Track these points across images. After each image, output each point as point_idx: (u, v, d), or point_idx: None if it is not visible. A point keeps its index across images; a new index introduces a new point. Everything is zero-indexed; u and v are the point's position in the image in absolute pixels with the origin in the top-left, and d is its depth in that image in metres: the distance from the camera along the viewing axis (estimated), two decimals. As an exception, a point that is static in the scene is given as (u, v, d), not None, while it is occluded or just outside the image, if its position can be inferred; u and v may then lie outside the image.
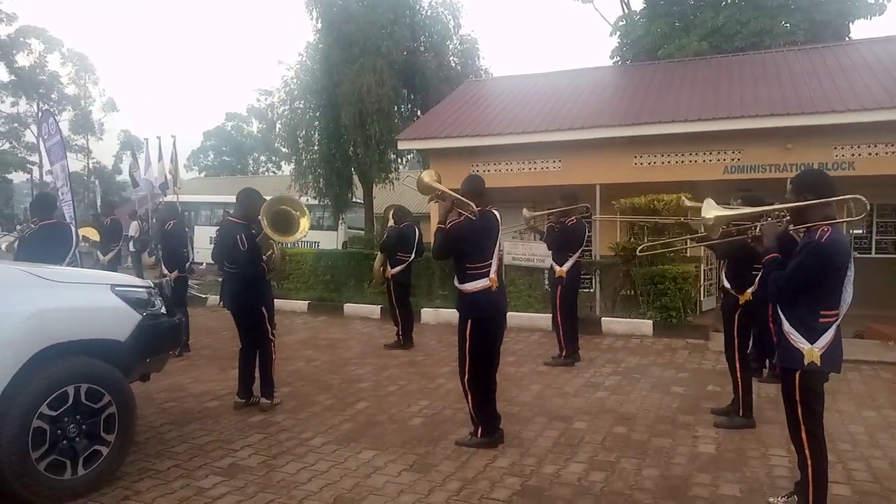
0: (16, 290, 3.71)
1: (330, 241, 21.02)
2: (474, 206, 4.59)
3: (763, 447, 4.66)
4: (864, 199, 3.17)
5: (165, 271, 8.12)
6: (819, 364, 3.22)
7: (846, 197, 3.25)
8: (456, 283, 4.75)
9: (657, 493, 3.91)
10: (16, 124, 42.49)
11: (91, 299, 4.06)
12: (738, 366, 5.17)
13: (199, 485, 4.04)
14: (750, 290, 5.08)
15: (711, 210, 3.75)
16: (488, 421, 4.74)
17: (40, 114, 29.00)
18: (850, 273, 3.25)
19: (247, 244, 5.38)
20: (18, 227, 10.15)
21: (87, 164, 46.78)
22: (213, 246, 5.72)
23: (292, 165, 20.75)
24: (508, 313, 9.27)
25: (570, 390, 6.21)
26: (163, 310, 4.52)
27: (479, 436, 4.71)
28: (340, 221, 21.26)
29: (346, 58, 17.90)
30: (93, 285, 4.17)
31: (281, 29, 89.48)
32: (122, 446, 4.06)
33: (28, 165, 42.13)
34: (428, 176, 4.90)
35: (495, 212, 4.85)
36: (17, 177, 43.36)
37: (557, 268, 7.41)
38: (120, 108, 51.41)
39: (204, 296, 12.46)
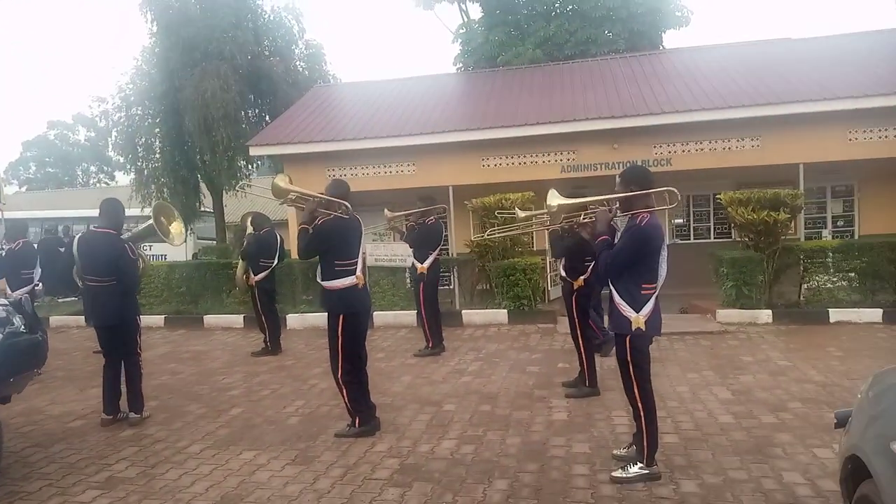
0: None
1: (178, 253, 20.12)
2: (348, 206, 4.87)
3: (607, 411, 5.34)
4: (676, 190, 3.85)
5: (9, 292, 7.60)
6: (644, 329, 3.85)
7: (663, 189, 3.92)
8: (321, 280, 4.97)
9: (520, 457, 4.41)
10: None
11: (-55, 320, 3.88)
12: (580, 342, 5.87)
13: (78, 500, 3.99)
14: (582, 277, 5.82)
15: (555, 199, 4.34)
16: (364, 411, 5.03)
17: None
18: (665, 253, 3.91)
19: (135, 254, 5.33)
20: None
21: None
22: (79, 257, 5.42)
23: (132, 175, 19.63)
24: (375, 312, 9.67)
25: (437, 378, 6.65)
26: (23, 328, 4.37)
27: (356, 426, 4.99)
28: (189, 232, 20.41)
29: (186, 62, 17.32)
30: (-55, 306, 3.98)
31: (110, 32, 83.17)
32: (-13, 471, 3.92)
33: None
34: (282, 181, 5.11)
35: (357, 216, 5.15)
36: None
37: (419, 265, 7.84)
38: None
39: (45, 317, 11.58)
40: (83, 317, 10.77)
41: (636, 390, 3.95)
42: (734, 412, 5.17)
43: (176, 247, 20.09)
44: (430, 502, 3.75)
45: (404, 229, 8.42)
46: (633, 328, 3.84)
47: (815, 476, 3.88)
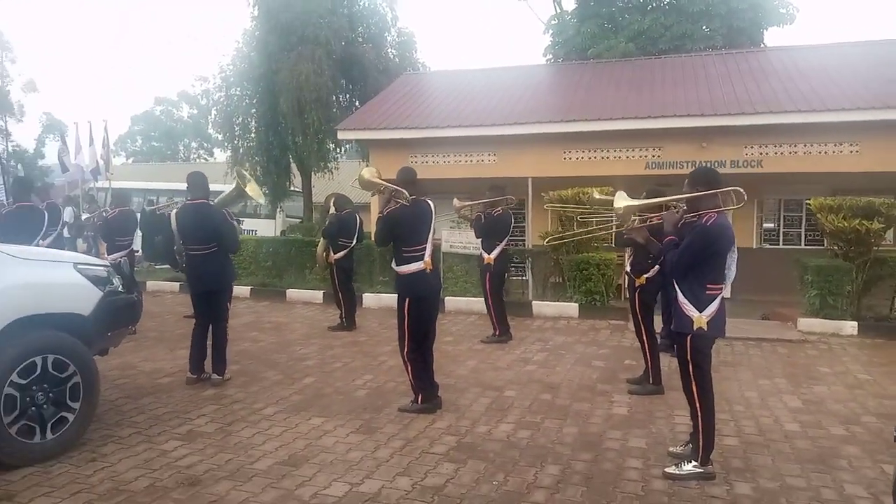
0: (-12, 267, 3.94)
1: (268, 229, 21.04)
2: (407, 194, 5.05)
3: (669, 409, 5.32)
4: (742, 190, 3.81)
5: (106, 256, 8.29)
6: (706, 329, 3.84)
7: (729, 189, 3.88)
8: (394, 265, 5.21)
9: (575, 446, 4.49)
10: (-75, 103, 40.13)
11: (57, 276, 4.31)
12: (644, 338, 5.85)
13: (161, 448, 4.36)
14: (645, 276, 5.78)
15: (622, 200, 4.37)
16: (427, 388, 5.23)
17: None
18: (734, 254, 3.87)
19: (232, 218, 5.85)
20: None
21: (6, 146, 44.61)
22: (179, 230, 5.87)
23: (228, 153, 20.65)
24: (447, 297, 9.87)
25: (502, 364, 6.77)
26: (121, 287, 4.79)
27: (419, 402, 5.19)
28: (279, 210, 21.30)
29: (283, 46, 17.97)
30: (58, 263, 4.43)
31: (215, 14, 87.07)
32: (86, 413, 4.34)
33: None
34: (368, 173, 5.34)
35: (429, 201, 5.32)
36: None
37: (485, 255, 7.96)
38: (41, 89, 49.02)
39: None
40: (177, 283, 11.59)
41: (695, 389, 3.95)
42: (802, 421, 5.05)
43: (263, 213, 20.82)
44: (482, 479, 3.90)
45: (471, 218, 8.54)
46: (695, 328, 3.84)
47: (879, 491, 3.77)
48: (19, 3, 75.98)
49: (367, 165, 18.26)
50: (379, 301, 10.51)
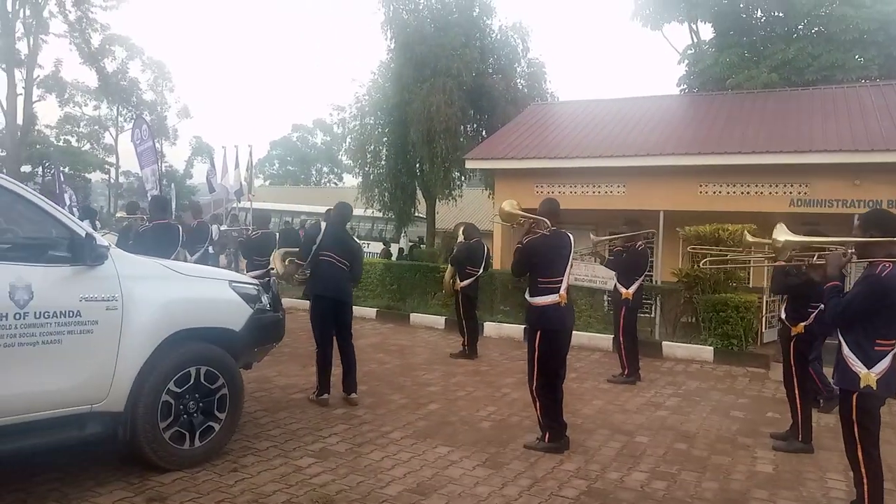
0: (155, 281, 4.26)
1: (393, 252, 21.69)
2: (548, 223, 4.98)
3: (820, 471, 4.86)
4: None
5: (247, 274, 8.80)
6: (875, 388, 3.48)
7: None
8: (527, 296, 5.13)
9: (716, 503, 4.19)
10: (96, 126, 44.88)
11: (214, 292, 4.61)
12: (797, 393, 5.37)
13: (297, 463, 4.51)
14: (803, 324, 5.30)
15: (782, 234, 4.07)
16: (555, 427, 5.08)
17: (133, 119, 30.62)
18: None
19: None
20: (124, 223, 10.97)
21: (161, 167, 48.90)
22: (325, 236, 6.12)
23: (359, 179, 21.52)
24: (571, 332, 9.63)
25: (631, 407, 6.49)
26: (269, 306, 5.05)
27: (546, 441, 5.05)
28: (403, 234, 21.90)
29: (417, 77, 18.56)
30: (215, 280, 4.73)
31: (351, 47, 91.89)
32: (230, 424, 4.58)
33: (105, 166, 44.40)
34: (509, 205, 5.30)
35: (569, 234, 5.22)
36: (95, 176, 45.67)
37: (623, 290, 7.69)
38: (192, 115, 53.52)
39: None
40: (307, 295, 12.09)
41: (860, 454, 3.58)
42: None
43: (388, 238, 21.71)
44: (616, 530, 3.72)
45: (605, 254, 8.31)
46: (862, 385, 3.49)
47: None
48: (177, 34, 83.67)
49: (491, 194, 18.54)
50: (499, 330, 10.45)
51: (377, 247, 22.36)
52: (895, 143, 10.62)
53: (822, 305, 5.24)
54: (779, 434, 5.60)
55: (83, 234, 3.85)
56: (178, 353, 4.26)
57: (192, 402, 4.32)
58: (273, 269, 10.44)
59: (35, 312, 3.62)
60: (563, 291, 5.02)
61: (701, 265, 6.42)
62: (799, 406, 5.33)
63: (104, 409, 3.95)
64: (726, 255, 7.47)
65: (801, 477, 4.72)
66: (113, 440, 4.02)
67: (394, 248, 21.76)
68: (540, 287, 5.01)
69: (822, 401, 6.31)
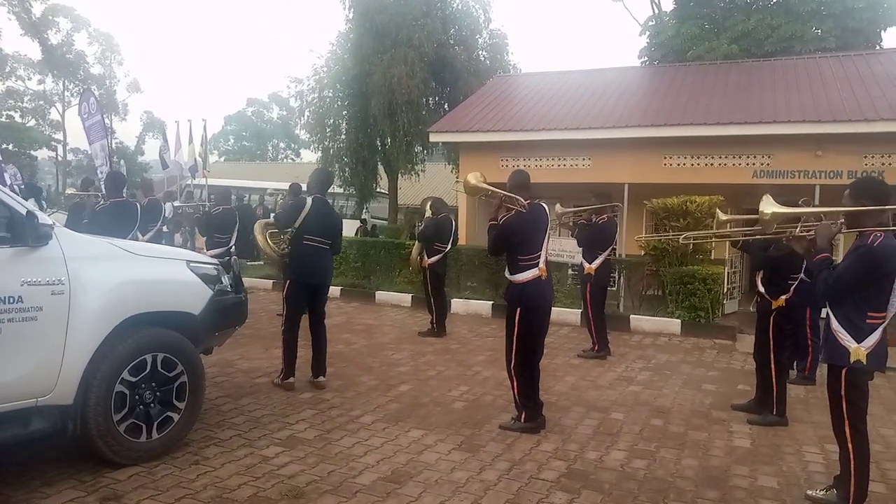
0: (105, 262, 3.93)
1: (352, 229, 21.28)
2: (522, 200, 4.79)
3: (797, 444, 4.84)
4: (917, 209, 3.35)
5: (205, 251, 8.43)
6: (865, 362, 3.40)
7: (902, 206, 3.42)
8: (507, 274, 4.94)
9: (698, 481, 4.10)
10: (41, 102, 42.98)
11: (170, 273, 4.30)
12: (772, 366, 5.31)
13: (263, 453, 4.27)
14: (784, 297, 5.23)
15: (770, 206, 3.93)
16: (532, 407, 4.93)
17: (81, 92, 29.32)
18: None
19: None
20: (75, 199, 10.45)
21: (111, 143, 47.18)
22: (307, 219, 5.70)
23: (318, 154, 21.00)
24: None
25: (604, 383, 6.41)
26: (230, 287, 4.75)
27: (522, 421, 4.91)
28: (364, 210, 21.52)
29: (377, 48, 18.08)
30: (171, 260, 4.41)
31: (309, 17, 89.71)
32: (191, 414, 4.30)
33: (52, 143, 42.66)
34: (474, 178, 5.05)
35: (543, 204, 5.04)
36: (41, 153, 43.87)
37: (587, 265, 7.58)
38: (143, 89, 51.66)
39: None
40: (270, 281, 11.72)
41: (847, 429, 3.51)
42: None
43: (348, 214, 21.33)
44: (601, 514, 3.59)
45: (572, 225, 8.15)
46: (852, 360, 3.40)
47: None
48: (124, 6, 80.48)
49: (454, 169, 18.26)
50: (467, 307, 10.30)
51: (350, 225, 21.64)
52: (857, 113, 10.70)
53: (801, 277, 5.23)
54: (741, 405, 5.57)
55: (23, 213, 3.51)
56: (133, 340, 3.95)
57: (148, 392, 4.04)
58: (233, 247, 10.08)
59: (-31, 299, 3.29)
60: (542, 265, 4.84)
61: (681, 240, 6.26)
62: (774, 379, 5.27)
63: (51, 402, 3.64)
64: (709, 233, 7.38)
65: (779, 451, 4.69)
66: (62, 435, 3.70)
67: (353, 225, 21.29)
68: (520, 264, 4.82)
69: (795, 373, 6.31)
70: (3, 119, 40.02)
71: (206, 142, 17.91)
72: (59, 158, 43.49)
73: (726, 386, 6.43)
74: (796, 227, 3.92)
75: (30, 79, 41.90)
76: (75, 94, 39.91)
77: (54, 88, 42.94)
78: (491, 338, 8.29)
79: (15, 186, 14.21)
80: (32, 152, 41.98)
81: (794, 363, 6.51)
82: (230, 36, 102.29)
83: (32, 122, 42.62)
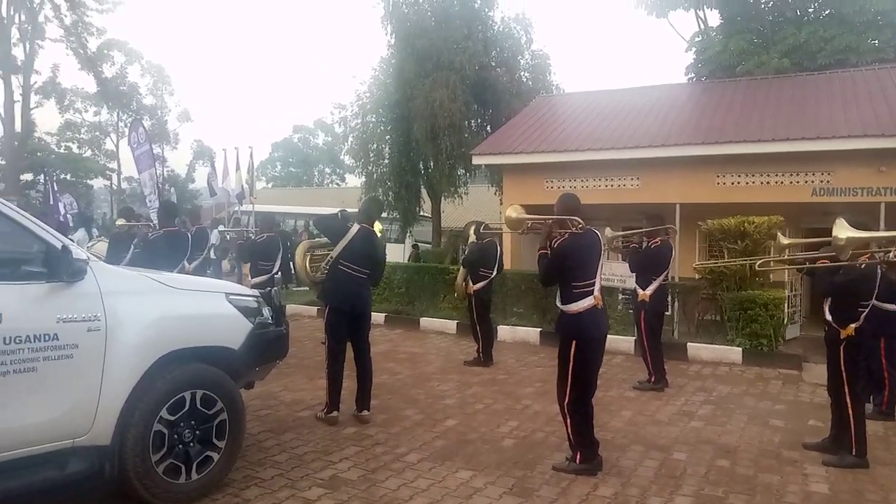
0: (142, 296, 3.82)
1: (397, 254, 21.20)
2: (580, 221, 4.52)
3: (882, 490, 4.41)
4: None
5: (249, 278, 8.37)
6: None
7: None
8: (559, 303, 4.66)
9: (774, 532, 3.75)
10: (97, 133, 44.49)
11: (209, 307, 4.17)
12: (848, 400, 4.90)
13: (305, 496, 4.08)
14: (853, 326, 4.82)
15: (844, 231, 3.61)
16: (587, 446, 4.63)
17: (130, 122, 30.26)
18: None
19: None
20: (123, 230, 10.63)
21: (162, 172, 48.49)
22: (349, 247, 5.59)
23: (362, 179, 21.06)
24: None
25: (662, 418, 6.03)
26: (270, 319, 4.61)
27: (577, 462, 4.60)
28: (408, 234, 21.45)
29: (419, 72, 18.06)
30: (210, 293, 4.29)
31: (351, 44, 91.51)
32: (231, 453, 4.14)
33: (107, 172, 44.02)
34: (514, 211, 4.81)
35: (596, 231, 4.77)
36: (97, 182, 45.30)
37: (641, 291, 7.23)
38: (193, 118, 53.13)
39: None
40: (315, 308, 11.65)
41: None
42: None
43: (392, 238, 21.38)
44: (669, 571, 3.27)
45: (622, 248, 7.80)
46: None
47: None
48: (176, 38, 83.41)
49: (498, 191, 18.03)
50: (514, 334, 10.01)
51: (394, 249, 21.51)
52: (923, 126, 10.14)
53: (873, 303, 4.83)
54: (815, 444, 5.14)
55: (59, 247, 3.42)
56: (171, 377, 3.82)
57: (187, 431, 3.89)
58: (277, 273, 10.04)
59: (5, 337, 3.20)
60: (597, 293, 4.57)
61: (757, 267, 5.88)
62: (852, 415, 4.85)
63: (88, 443, 3.52)
64: (783, 259, 6.94)
65: (862, 499, 4.27)
66: (99, 477, 3.57)
67: (397, 249, 21.19)
68: (575, 292, 4.54)
69: (871, 406, 5.85)
70: (63, 150, 41.53)
71: (252, 169, 18.14)
72: (114, 187, 44.82)
73: (796, 421, 5.98)
74: (891, 252, 3.55)
75: (86, 111, 43.48)
76: (129, 125, 41.21)
77: (109, 119, 44.45)
78: (540, 367, 7.98)
79: (69, 216, 14.57)
80: (89, 181, 43.36)
81: (871, 397, 6.04)
82: (277, 65, 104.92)
83: (89, 153, 44.10)
